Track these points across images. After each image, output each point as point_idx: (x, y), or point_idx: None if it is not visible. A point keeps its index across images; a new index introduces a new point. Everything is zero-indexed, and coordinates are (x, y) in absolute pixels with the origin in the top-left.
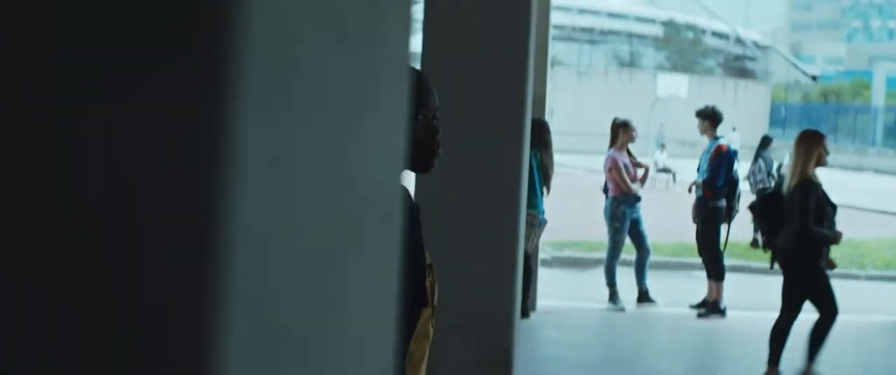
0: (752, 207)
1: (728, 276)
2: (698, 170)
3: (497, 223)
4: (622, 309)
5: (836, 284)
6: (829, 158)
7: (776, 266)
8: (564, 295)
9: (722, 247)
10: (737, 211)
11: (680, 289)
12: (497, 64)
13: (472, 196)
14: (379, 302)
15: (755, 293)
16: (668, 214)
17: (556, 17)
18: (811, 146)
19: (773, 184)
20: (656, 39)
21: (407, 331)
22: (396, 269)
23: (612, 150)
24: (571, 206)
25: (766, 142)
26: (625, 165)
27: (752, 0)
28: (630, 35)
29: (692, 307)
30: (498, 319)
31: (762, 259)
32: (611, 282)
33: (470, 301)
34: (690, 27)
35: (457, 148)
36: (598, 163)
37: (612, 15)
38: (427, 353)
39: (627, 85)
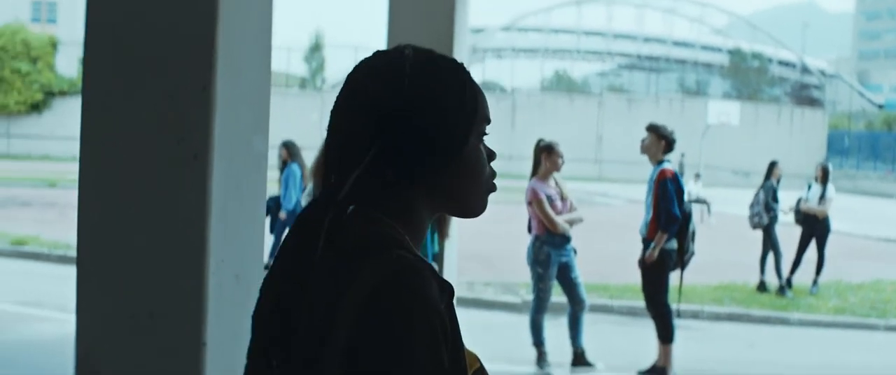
0: None
1: (721, 327)
2: (646, 205)
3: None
4: None
5: (847, 335)
6: (886, 189)
7: None
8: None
9: (670, 300)
10: (692, 254)
11: (648, 345)
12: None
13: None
14: None
15: (745, 350)
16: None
17: (623, 46)
18: None
19: (769, 219)
20: (722, 68)
21: None
22: None
23: (533, 180)
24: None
25: (771, 169)
26: (548, 197)
27: (819, 30)
28: (696, 63)
29: (640, 373)
30: None
31: (767, 305)
32: (538, 341)
33: None
34: (757, 56)
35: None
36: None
37: (678, 43)
38: None
39: (678, 112)
